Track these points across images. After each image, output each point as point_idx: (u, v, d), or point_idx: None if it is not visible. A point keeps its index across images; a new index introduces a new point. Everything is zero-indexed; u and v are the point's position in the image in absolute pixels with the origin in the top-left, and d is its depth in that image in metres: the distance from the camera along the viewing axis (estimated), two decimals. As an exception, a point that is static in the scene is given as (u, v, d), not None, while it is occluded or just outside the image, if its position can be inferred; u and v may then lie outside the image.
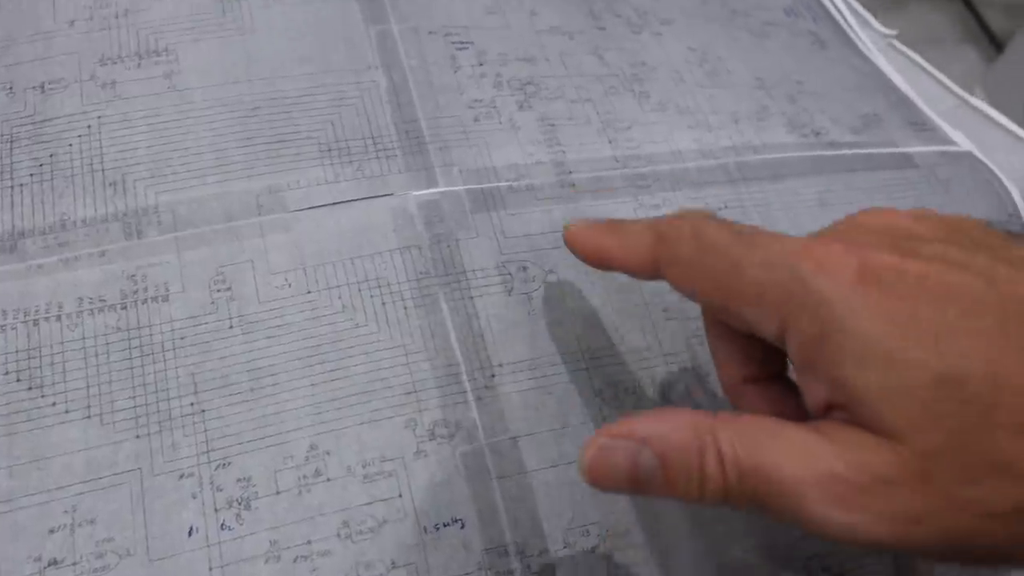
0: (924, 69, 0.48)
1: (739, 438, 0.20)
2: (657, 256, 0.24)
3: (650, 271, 0.24)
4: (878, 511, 0.18)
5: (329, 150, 0.33)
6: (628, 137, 0.36)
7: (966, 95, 0.46)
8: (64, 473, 0.26)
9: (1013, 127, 0.44)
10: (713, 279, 0.22)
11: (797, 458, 0.19)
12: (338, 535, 0.27)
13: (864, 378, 0.19)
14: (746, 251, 0.21)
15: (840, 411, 0.20)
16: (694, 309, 0.32)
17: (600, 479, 0.22)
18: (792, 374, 0.24)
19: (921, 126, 0.42)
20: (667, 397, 0.31)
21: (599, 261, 0.26)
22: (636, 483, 0.21)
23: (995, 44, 1.42)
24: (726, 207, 0.36)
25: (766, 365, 0.24)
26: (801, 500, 0.19)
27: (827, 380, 0.20)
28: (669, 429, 0.21)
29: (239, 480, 0.27)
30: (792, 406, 0.24)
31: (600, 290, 0.32)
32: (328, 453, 0.28)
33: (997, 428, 0.18)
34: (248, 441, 0.28)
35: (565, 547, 0.28)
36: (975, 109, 0.45)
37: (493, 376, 0.30)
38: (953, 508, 0.18)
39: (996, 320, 0.18)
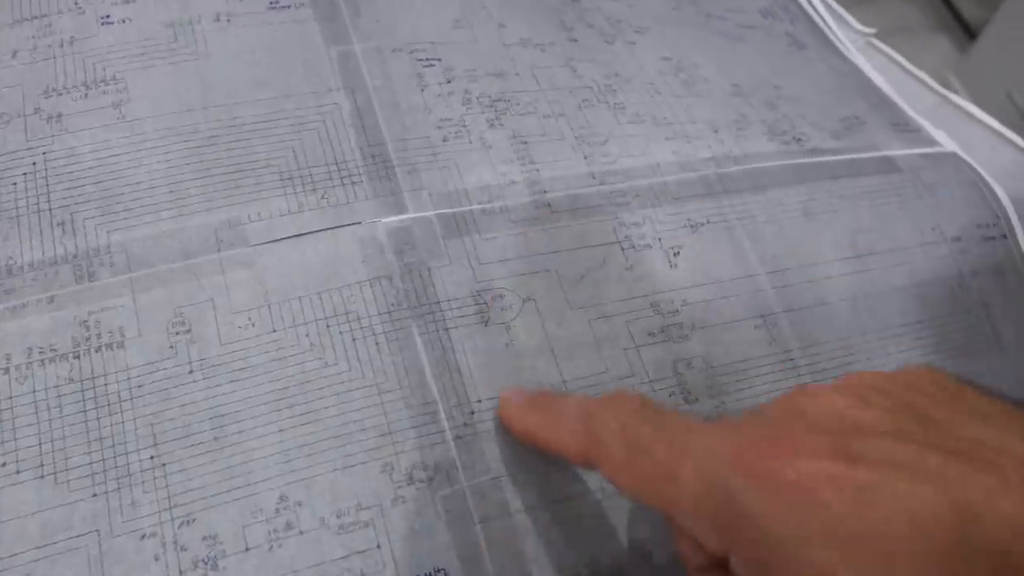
0: (903, 67, 0.47)
1: None
2: (588, 454, 0.23)
3: (584, 465, 0.24)
4: None
5: (291, 178, 0.31)
6: (604, 152, 0.35)
7: (947, 92, 0.45)
8: (17, 539, 0.25)
9: (995, 124, 0.43)
10: (646, 484, 0.21)
11: None
12: (313, 593, 0.25)
13: None
14: (677, 455, 0.20)
15: None
16: (679, 331, 0.30)
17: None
18: None
19: (904, 127, 0.41)
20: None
21: (531, 445, 0.26)
22: None
23: (968, 32, 1.42)
24: (708, 221, 0.34)
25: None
26: None
27: None
28: None
29: (205, 538, 0.25)
30: None
31: (582, 316, 0.31)
32: (300, 504, 0.26)
33: None
34: (213, 495, 0.26)
35: (555, 592, 0.27)
36: (956, 107, 0.44)
37: (472, 413, 0.28)
38: None
39: (949, 540, 0.17)
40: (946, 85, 1.27)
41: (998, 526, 0.16)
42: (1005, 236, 0.38)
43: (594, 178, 0.34)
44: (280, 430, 0.27)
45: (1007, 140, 0.42)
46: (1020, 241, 0.38)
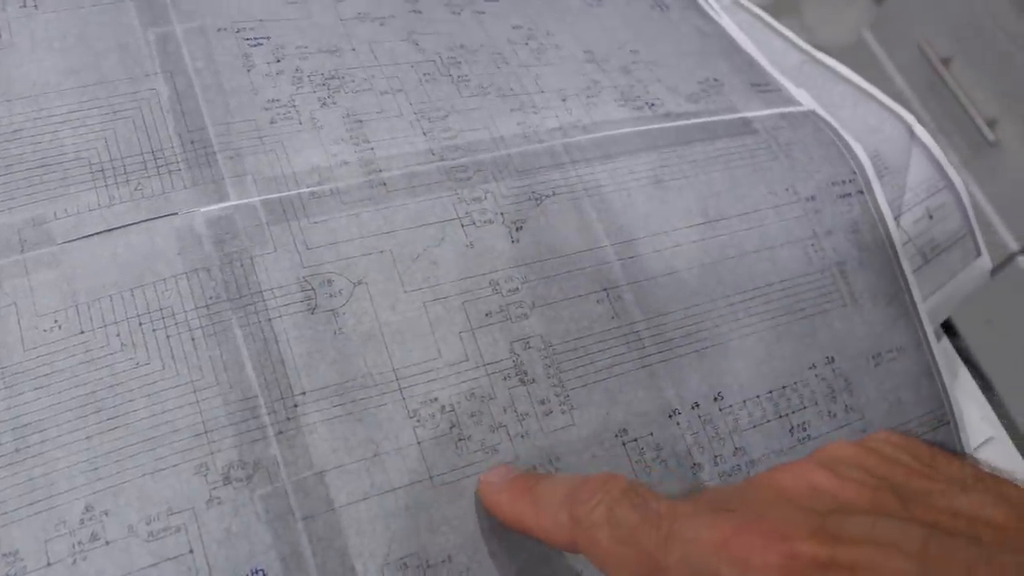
0: (770, 26, 0.46)
1: None
2: (575, 542, 0.23)
3: (571, 550, 0.23)
4: None
5: (102, 171, 0.30)
6: (445, 127, 0.34)
7: (811, 50, 0.44)
8: None
9: (858, 80, 0.42)
10: (634, 573, 0.21)
11: None
12: (118, 606, 0.24)
13: None
14: (664, 543, 0.20)
15: None
16: (518, 309, 0.30)
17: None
18: None
19: (764, 87, 0.41)
20: (486, 411, 0.29)
21: (517, 531, 0.26)
22: None
23: (883, -13, 1.42)
24: (554, 193, 0.33)
25: None
26: None
27: None
28: None
29: (5, 555, 0.24)
30: None
31: (416, 299, 0.30)
32: (106, 513, 0.25)
33: None
34: (13, 510, 0.25)
35: (382, 585, 0.26)
36: (822, 64, 0.44)
37: (295, 406, 0.27)
38: None
39: None
40: (860, 41, 1.28)
41: None
42: (862, 192, 0.37)
43: (433, 154, 0.33)
44: (87, 437, 0.26)
45: (869, 95, 0.42)
46: (877, 195, 0.37)
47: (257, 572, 0.25)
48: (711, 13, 0.45)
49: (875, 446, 0.22)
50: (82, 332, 0.27)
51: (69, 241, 0.28)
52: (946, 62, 1.07)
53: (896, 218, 0.38)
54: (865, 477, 0.20)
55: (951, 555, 0.17)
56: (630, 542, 0.21)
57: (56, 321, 0.27)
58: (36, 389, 0.26)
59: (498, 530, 0.27)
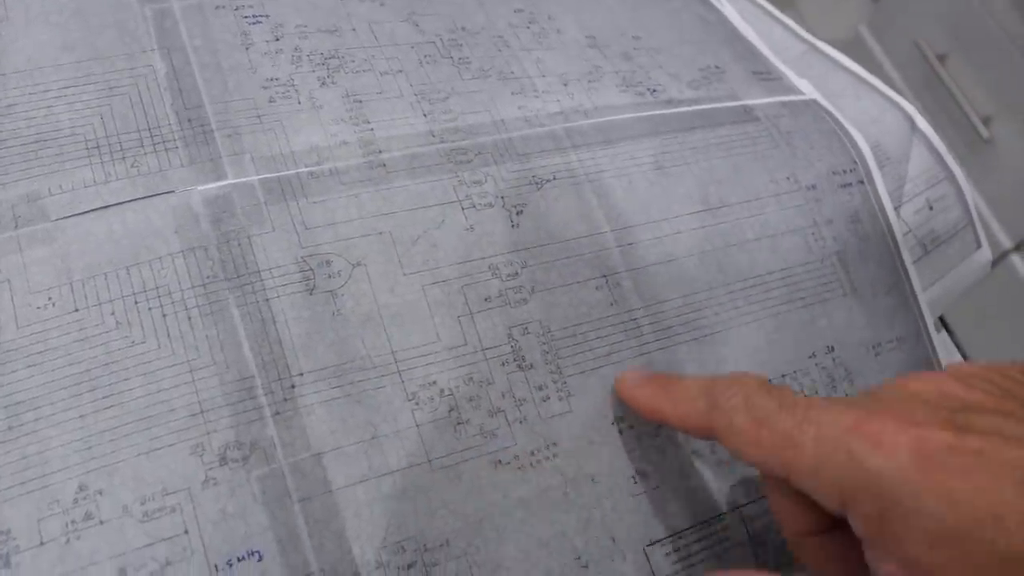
0: (772, 15, 0.46)
1: None
2: (712, 424, 0.24)
3: (706, 436, 0.25)
4: None
5: (97, 147, 0.29)
6: (445, 108, 0.34)
7: (814, 40, 0.44)
8: None
9: (860, 71, 0.42)
10: (769, 452, 0.22)
11: None
12: (112, 585, 0.24)
13: (932, 557, 0.19)
14: (799, 425, 0.22)
15: None
16: (517, 294, 0.29)
17: None
18: None
19: (765, 75, 0.41)
20: (485, 396, 0.29)
21: (655, 420, 0.28)
22: None
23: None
24: (555, 178, 0.33)
25: (826, 518, 0.24)
26: None
27: (896, 558, 0.20)
28: None
29: (-4, 534, 0.24)
30: (854, 559, 0.23)
31: (416, 281, 0.30)
32: (100, 493, 0.25)
33: None
34: (6, 488, 0.24)
35: (378, 567, 0.26)
36: (823, 54, 0.44)
37: (293, 387, 0.27)
38: None
39: None
40: (857, 37, 1.28)
41: None
42: (862, 182, 0.37)
43: (434, 136, 0.33)
44: (81, 416, 0.25)
45: (870, 86, 0.42)
46: (878, 185, 0.37)
47: (253, 553, 0.25)
48: (713, 1, 0.45)
49: (1006, 367, 0.23)
50: (76, 310, 0.27)
51: (64, 218, 0.28)
52: (942, 59, 1.07)
53: (896, 208, 0.37)
54: (990, 388, 0.22)
55: None
56: (766, 424, 0.23)
57: (50, 298, 0.27)
58: (29, 367, 0.26)
59: (496, 514, 0.27)
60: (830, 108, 0.39)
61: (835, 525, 0.24)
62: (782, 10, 0.47)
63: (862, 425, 0.21)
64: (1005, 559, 0.18)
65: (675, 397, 0.26)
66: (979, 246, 0.40)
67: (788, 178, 0.36)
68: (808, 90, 0.40)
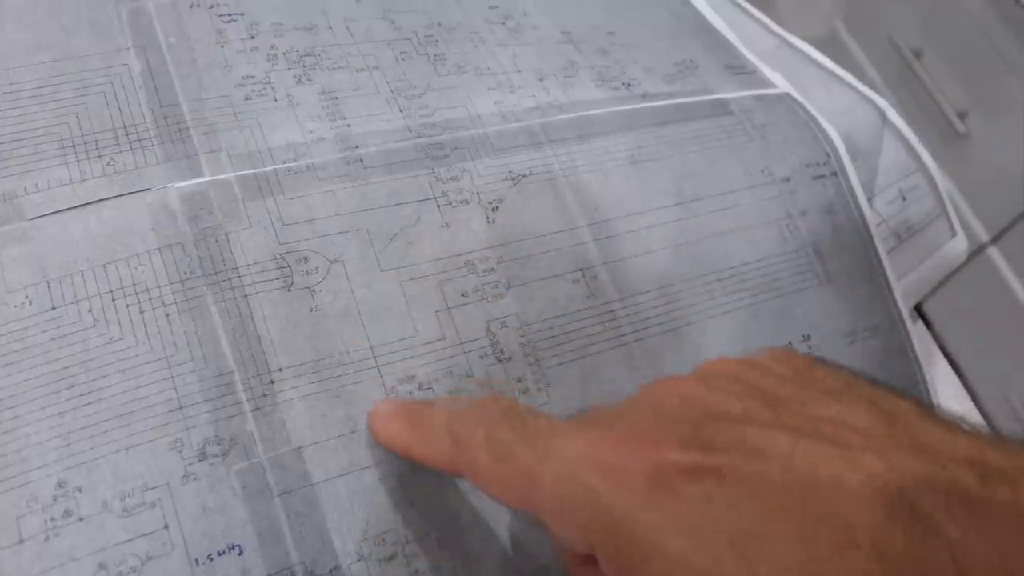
0: (744, 10, 0.46)
1: None
2: (456, 463, 0.23)
3: (455, 473, 0.23)
4: None
5: (73, 146, 0.29)
6: (421, 104, 0.34)
7: (785, 34, 0.45)
8: None
9: (831, 65, 0.43)
10: (512, 491, 0.21)
11: None
12: (93, 581, 0.24)
13: None
14: (539, 460, 0.20)
15: None
16: (493, 289, 0.30)
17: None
18: None
19: (738, 69, 0.41)
20: (464, 388, 0.29)
21: (404, 457, 0.25)
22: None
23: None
24: (531, 173, 0.33)
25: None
26: None
27: None
28: None
29: (-25, 532, 0.24)
30: None
31: (393, 277, 0.30)
32: (79, 489, 0.25)
33: None
34: (-16, 487, 0.24)
35: (359, 560, 0.26)
36: (795, 49, 0.44)
37: (272, 382, 0.27)
38: None
39: (797, 520, 0.17)
40: (833, 33, 1.29)
41: (841, 500, 0.17)
42: (836, 174, 0.38)
43: (410, 131, 0.33)
44: (59, 413, 0.25)
45: (841, 80, 0.42)
46: (851, 177, 0.38)
47: (234, 547, 0.25)
48: (687, -3, 0.45)
49: (755, 360, 0.22)
50: (53, 308, 0.27)
51: (40, 216, 0.28)
52: (917, 54, 1.08)
53: (869, 199, 0.38)
54: (737, 388, 0.20)
55: (817, 459, 0.17)
56: (507, 459, 0.21)
57: (27, 297, 0.27)
58: (7, 365, 0.26)
59: (475, 506, 0.27)
60: (803, 101, 0.40)
61: None
62: (759, 7, 0.47)
63: (600, 455, 0.19)
64: None
65: (422, 434, 0.24)
66: (954, 234, 0.40)
67: (762, 171, 0.37)
68: (781, 83, 0.41)
